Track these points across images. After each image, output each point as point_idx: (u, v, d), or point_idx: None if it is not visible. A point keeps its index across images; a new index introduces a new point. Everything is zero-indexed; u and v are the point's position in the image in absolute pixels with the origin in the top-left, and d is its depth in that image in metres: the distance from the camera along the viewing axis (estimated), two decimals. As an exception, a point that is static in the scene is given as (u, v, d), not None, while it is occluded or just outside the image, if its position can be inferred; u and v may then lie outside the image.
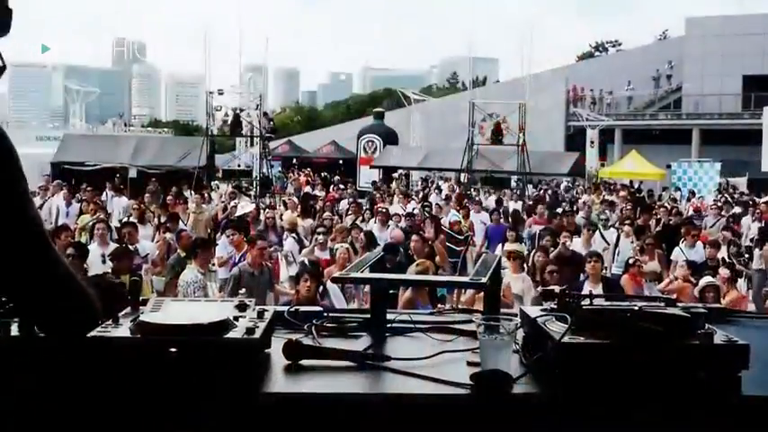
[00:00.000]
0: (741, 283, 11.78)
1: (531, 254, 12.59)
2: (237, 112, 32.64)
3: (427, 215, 16.01)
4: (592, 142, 42.50)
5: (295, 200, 21.18)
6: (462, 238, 14.81)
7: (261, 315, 2.14)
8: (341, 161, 43.64)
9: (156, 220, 15.45)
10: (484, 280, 2.25)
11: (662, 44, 59.91)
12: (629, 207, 20.74)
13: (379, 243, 13.32)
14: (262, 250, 9.71)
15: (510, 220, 17.20)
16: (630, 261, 11.60)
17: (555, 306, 2.21)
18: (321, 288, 9.17)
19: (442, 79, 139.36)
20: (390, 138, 40.79)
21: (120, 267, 9.61)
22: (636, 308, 2.13)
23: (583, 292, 8.10)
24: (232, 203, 18.77)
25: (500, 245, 14.49)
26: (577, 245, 13.17)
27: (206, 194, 21.20)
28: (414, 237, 11.80)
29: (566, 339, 1.91)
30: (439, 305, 8.76)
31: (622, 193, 26.68)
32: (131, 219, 14.27)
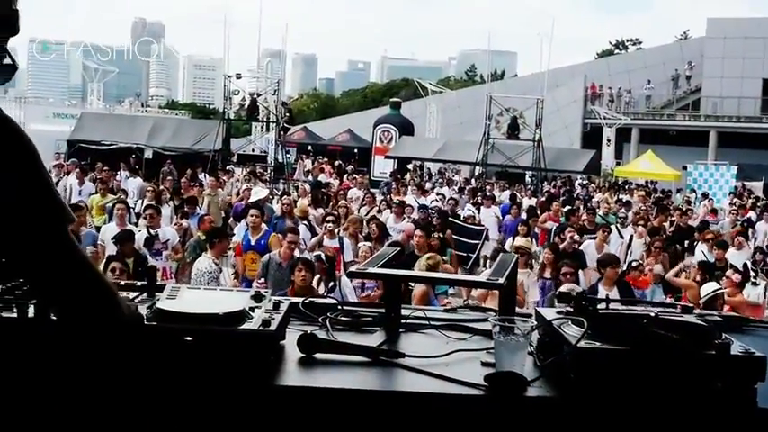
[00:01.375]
0: (760, 290, 11.60)
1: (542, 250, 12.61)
2: (255, 96, 32.66)
3: (435, 212, 15.89)
4: (608, 140, 42.31)
5: (306, 187, 21.22)
6: (478, 230, 14.77)
7: (276, 306, 2.14)
8: (356, 150, 43.56)
9: (171, 203, 15.50)
10: (501, 280, 2.24)
11: (682, 44, 59.33)
12: (644, 207, 20.64)
13: (390, 234, 13.35)
14: (291, 244, 9.70)
15: (526, 215, 17.14)
16: (634, 264, 11.57)
17: (571, 309, 2.20)
18: (332, 284, 9.21)
19: (460, 71, 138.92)
20: (406, 128, 40.66)
21: (124, 251, 9.63)
22: (652, 314, 2.12)
23: (598, 295, 8.12)
24: (244, 187, 18.79)
25: (511, 238, 14.55)
26: (592, 245, 13.09)
27: (221, 179, 21.22)
28: (417, 232, 11.67)
29: (582, 344, 1.91)
30: (447, 300, 8.76)
31: (641, 194, 26.52)
32: (147, 201, 14.32)
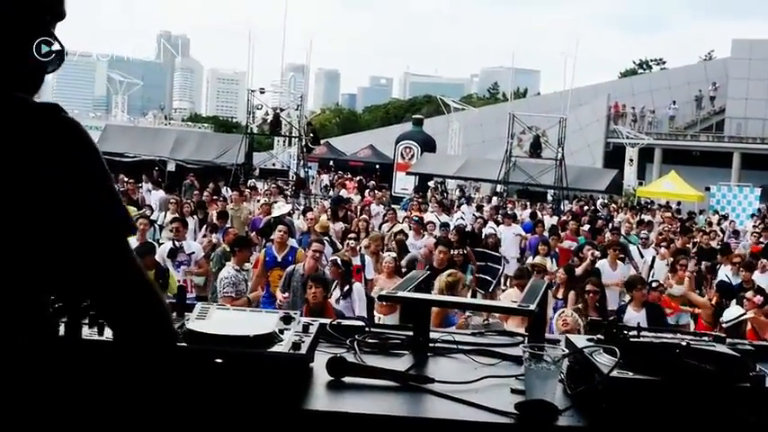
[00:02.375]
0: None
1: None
2: (278, 111, 32.80)
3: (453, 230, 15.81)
4: (631, 160, 42.16)
5: (325, 203, 21.25)
6: (498, 256, 14.74)
7: (306, 329, 2.14)
8: (377, 165, 43.63)
9: (195, 216, 15.54)
10: (532, 307, 2.23)
11: (706, 65, 59.04)
12: (667, 228, 20.50)
13: (409, 250, 13.34)
14: (316, 252, 9.70)
15: (548, 233, 17.05)
16: (654, 285, 11.48)
17: (602, 337, 2.18)
18: (347, 288, 9.27)
19: (483, 89, 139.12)
20: (428, 145, 40.69)
21: (144, 264, 9.63)
22: (683, 343, 2.09)
23: (626, 316, 8.03)
24: (262, 201, 18.82)
25: (531, 257, 14.53)
26: (605, 264, 12.98)
27: (245, 193, 21.26)
28: (440, 247, 11.66)
29: (614, 374, 1.88)
30: (466, 314, 8.71)
31: (667, 214, 26.31)
32: (170, 214, 14.39)
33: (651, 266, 14.68)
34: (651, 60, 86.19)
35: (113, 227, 1.59)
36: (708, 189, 34.99)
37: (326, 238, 13.63)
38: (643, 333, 2.29)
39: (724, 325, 9.29)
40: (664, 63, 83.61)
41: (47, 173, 1.51)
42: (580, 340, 2.20)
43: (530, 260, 14.16)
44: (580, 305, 9.45)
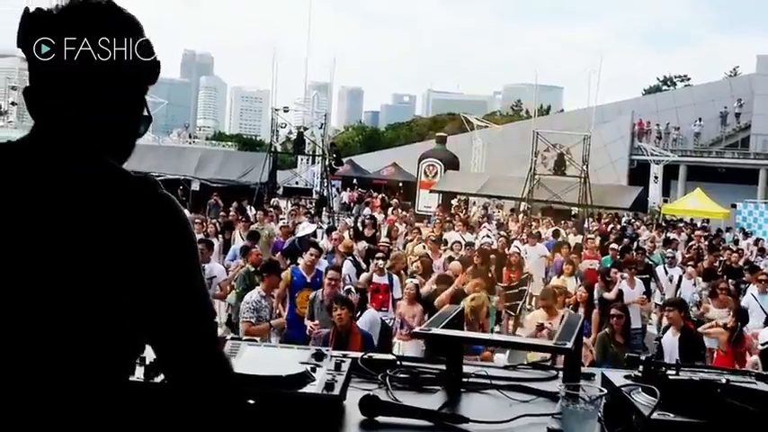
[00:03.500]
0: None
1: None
2: (301, 130, 32.86)
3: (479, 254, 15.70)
4: (656, 177, 41.89)
5: (348, 221, 21.20)
6: (523, 279, 14.69)
7: (338, 366, 2.10)
8: (401, 183, 43.60)
9: (221, 237, 15.53)
10: (569, 345, 2.18)
11: (731, 81, 58.67)
12: (695, 247, 20.31)
13: (433, 270, 13.31)
14: (331, 281, 9.68)
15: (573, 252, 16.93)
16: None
17: (639, 374, 2.14)
18: (359, 314, 9.27)
19: (506, 106, 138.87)
20: (452, 162, 40.57)
21: None
22: (723, 381, 2.04)
23: (665, 337, 7.93)
24: (281, 223, 18.82)
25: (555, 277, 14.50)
26: (624, 283, 12.84)
27: (270, 212, 21.24)
28: (478, 279, 11.57)
29: (655, 416, 1.84)
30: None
31: (698, 232, 26.03)
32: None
33: (678, 286, 14.54)
34: (675, 77, 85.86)
35: (198, 317, 1.59)
36: (734, 206, 34.73)
37: (350, 258, 13.64)
38: (681, 369, 2.24)
39: (760, 347, 9.11)
40: (688, 79, 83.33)
41: (139, 249, 1.51)
42: (617, 377, 2.15)
43: (552, 282, 14.05)
44: (607, 330, 9.38)
